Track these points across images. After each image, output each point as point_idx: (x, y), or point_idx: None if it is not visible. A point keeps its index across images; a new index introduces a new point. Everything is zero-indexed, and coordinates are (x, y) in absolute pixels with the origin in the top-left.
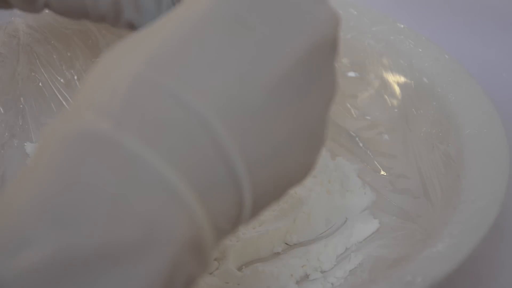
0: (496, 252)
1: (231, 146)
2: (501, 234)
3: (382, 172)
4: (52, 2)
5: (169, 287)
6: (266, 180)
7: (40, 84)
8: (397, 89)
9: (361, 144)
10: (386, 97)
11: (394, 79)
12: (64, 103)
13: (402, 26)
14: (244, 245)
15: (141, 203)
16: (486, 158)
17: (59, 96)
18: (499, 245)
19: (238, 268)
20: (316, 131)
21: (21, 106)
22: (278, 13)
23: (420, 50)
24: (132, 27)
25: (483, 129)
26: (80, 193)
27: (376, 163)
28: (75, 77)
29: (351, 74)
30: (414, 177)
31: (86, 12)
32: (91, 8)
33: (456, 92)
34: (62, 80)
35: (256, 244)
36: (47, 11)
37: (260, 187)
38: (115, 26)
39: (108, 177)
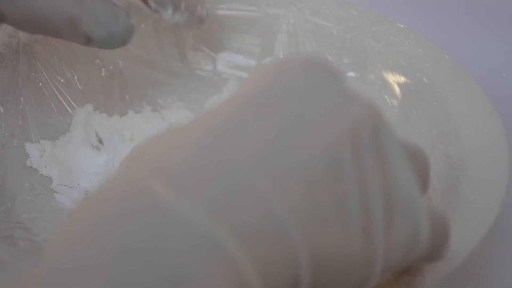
0: (496, 252)
1: (275, 198)
2: (501, 234)
3: None
4: (7, 16)
5: None
6: (322, 244)
7: (40, 84)
8: (397, 89)
9: None
10: (386, 97)
11: (394, 79)
12: (64, 103)
13: (402, 26)
14: None
15: (170, 253)
16: (486, 158)
17: (59, 96)
18: (499, 245)
19: None
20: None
21: (21, 106)
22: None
23: (420, 50)
24: (88, 41)
25: (483, 129)
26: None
27: None
28: (75, 77)
29: (351, 74)
30: None
31: (42, 26)
32: (47, 21)
33: (456, 92)
34: (62, 80)
35: None
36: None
37: (316, 250)
38: (72, 40)
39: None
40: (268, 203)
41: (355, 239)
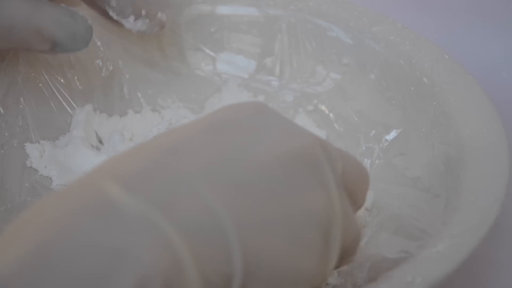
0: (496, 252)
1: (216, 201)
2: (501, 234)
3: None
4: None
5: None
6: (258, 249)
7: (40, 84)
8: (397, 89)
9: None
10: (385, 97)
11: (394, 79)
12: (64, 103)
13: (401, 26)
14: None
15: (112, 231)
16: (486, 158)
17: (59, 96)
18: (499, 245)
19: None
20: (303, 235)
21: (21, 106)
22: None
23: (420, 50)
24: (54, 45)
25: (483, 129)
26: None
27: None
28: (75, 77)
29: (351, 75)
30: (414, 177)
31: (8, 38)
32: (11, 33)
33: (456, 92)
34: (62, 80)
35: None
36: None
37: (251, 253)
38: (39, 48)
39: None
40: (208, 201)
41: (303, 256)
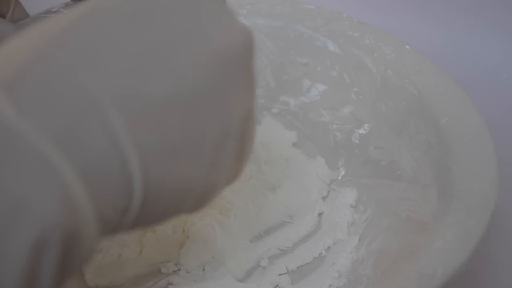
0: (496, 252)
1: (123, 131)
2: (501, 234)
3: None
4: None
5: (34, 270)
6: (160, 176)
7: None
8: (362, 84)
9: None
10: (353, 91)
11: (357, 74)
12: None
13: (357, 20)
14: None
15: (11, 179)
16: (471, 144)
17: None
18: (499, 245)
19: None
20: (230, 136)
21: None
22: (192, 17)
23: (380, 43)
24: None
25: (461, 116)
26: None
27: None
28: None
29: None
30: (395, 169)
31: None
32: None
33: (426, 82)
34: None
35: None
36: None
37: (153, 181)
38: None
39: None
40: (113, 132)
41: (202, 171)
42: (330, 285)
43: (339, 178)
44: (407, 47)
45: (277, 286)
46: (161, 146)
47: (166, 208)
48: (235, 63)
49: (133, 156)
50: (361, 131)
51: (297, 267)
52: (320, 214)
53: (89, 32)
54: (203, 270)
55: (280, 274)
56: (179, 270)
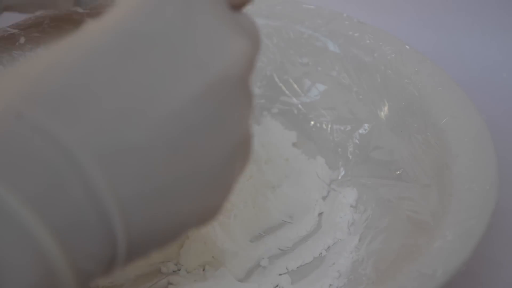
0: (496, 252)
1: (100, 183)
2: (501, 234)
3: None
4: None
5: None
6: (146, 221)
7: None
8: (362, 84)
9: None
10: (354, 90)
11: (357, 74)
12: None
13: (357, 20)
14: None
15: None
16: (471, 144)
17: None
18: (499, 245)
19: None
20: (219, 172)
21: None
22: (178, 48)
23: (380, 43)
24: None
25: (461, 116)
26: None
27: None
28: None
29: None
30: (395, 169)
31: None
32: None
33: (426, 82)
34: None
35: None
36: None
37: (138, 228)
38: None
39: None
40: (92, 190)
41: (198, 201)
42: (330, 285)
43: (339, 178)
44: (407, 47)
45: (277, 286)
46: (146, 191)
47: (163, 239)
48: (230, 88)
49: (113, 207)
50: (361, 131)
51: (297, 267)
52: (320, 214)
53: (66, 78)
54: (203, 270)
55: (280, 274)
56: (179, 270)
